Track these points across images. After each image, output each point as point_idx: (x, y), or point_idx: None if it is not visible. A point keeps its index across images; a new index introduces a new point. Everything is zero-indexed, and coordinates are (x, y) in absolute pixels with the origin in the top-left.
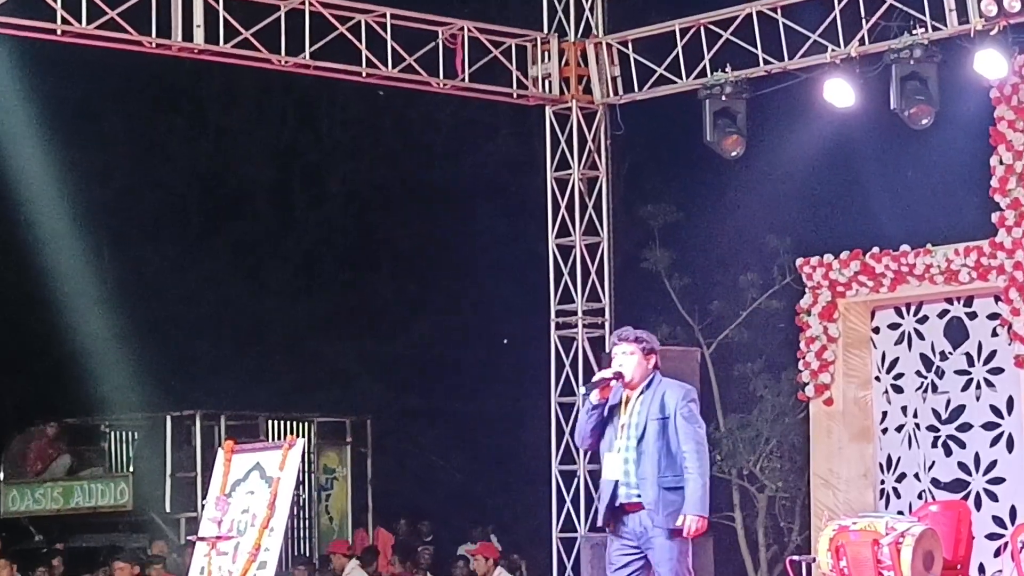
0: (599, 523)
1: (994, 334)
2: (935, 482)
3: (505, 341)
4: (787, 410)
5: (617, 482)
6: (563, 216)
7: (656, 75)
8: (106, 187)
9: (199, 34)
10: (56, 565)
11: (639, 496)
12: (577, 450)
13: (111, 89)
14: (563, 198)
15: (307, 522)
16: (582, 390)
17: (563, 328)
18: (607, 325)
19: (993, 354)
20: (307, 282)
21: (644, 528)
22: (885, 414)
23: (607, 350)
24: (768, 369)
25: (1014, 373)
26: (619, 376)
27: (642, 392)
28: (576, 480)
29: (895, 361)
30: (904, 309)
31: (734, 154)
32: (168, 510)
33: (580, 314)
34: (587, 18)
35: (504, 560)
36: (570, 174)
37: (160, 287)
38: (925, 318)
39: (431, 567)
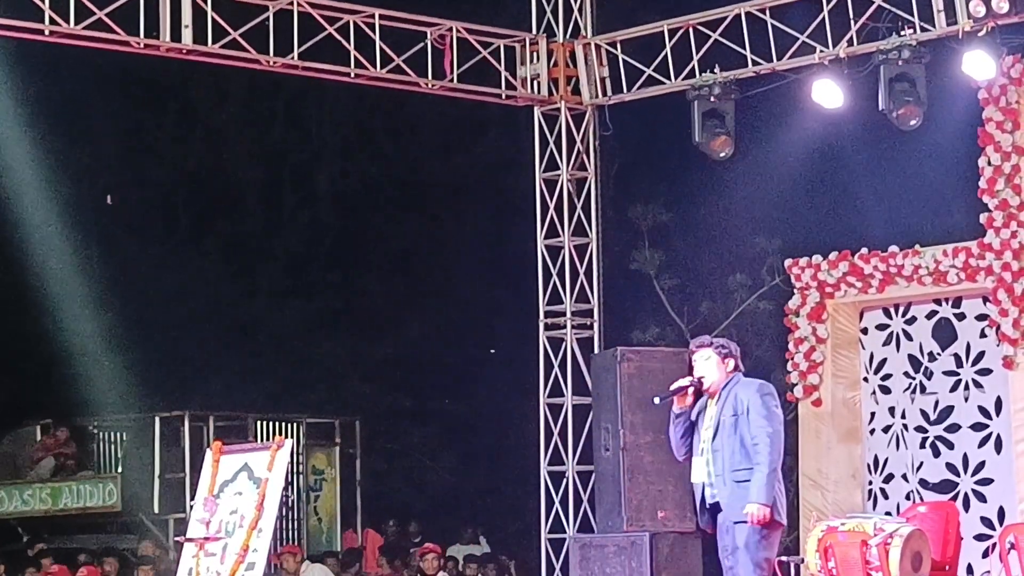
0: (697, 527)
1: (982, 335)
2: (923, 483)
3: (492, 351)
4: None
5: (704, 484)
6: (552, 217)
7: (645, 76)
8: (95, 187)
9: (187, 34)
10: (46, 565)
11: (717, 495)
12: (566, 450)
13: (99, 89)
14: (552, 199)
15: (296, 523)
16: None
17: (552, 329)
18: (596, 326)
19: (981, 355)
20: (296, 282)
21: (729, 524)
22: (873, 415)
23: (689, 355)
24: (757, 370)
25: (1002, 374)
26: (699, 382)
27: (720, 394)
28: (565, 481)
29: (883, 362)
30: (892, 310)
31: (723, 155)
32: (157, 511)
33: (569, 315)
34: (576, 19)
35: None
36: (559, 175)
37: (149, 287)
38: (913, 319)
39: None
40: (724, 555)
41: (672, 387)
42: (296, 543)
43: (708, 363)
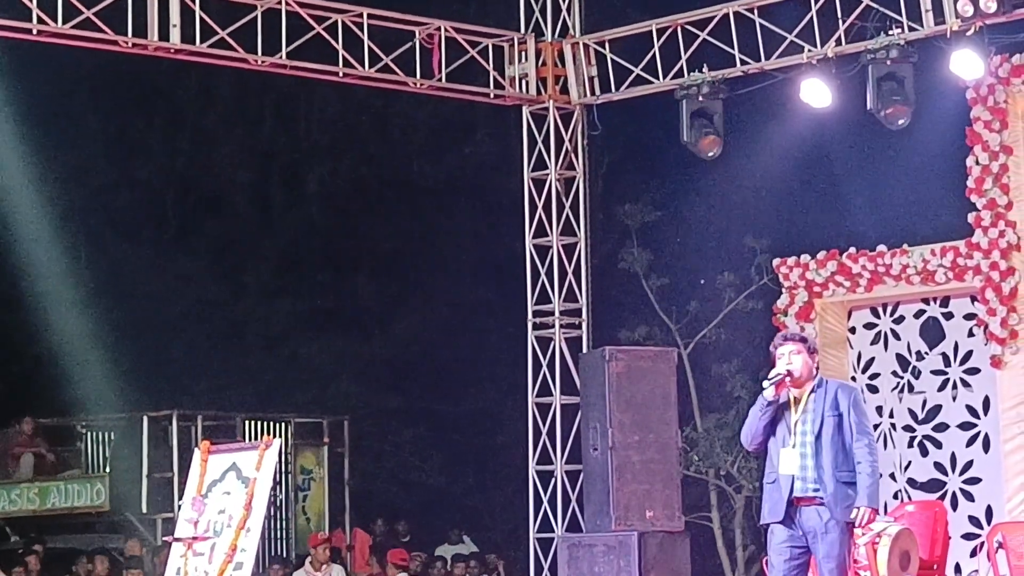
0: (766, 519)
1: (970, 334)
2: (911, 482)
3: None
4: None
5: (793, 476)
6: (540, 216)
7: (633, 75)
8: (83, 187)
9: (175, 34)
10: (32, 564)
11: (816, 490)
12: (554, 450)
13: (88, 89)
14: (540, 198)
15: (284, 523)
16: (765, 384)
17: (540, 328)
18: (584, 325)
19: (969, 354)
20: (285, 282)
21: (818, 522)
22: None
23: (773, 348)
24: (745, 369)
25: (990, 373)
26: (789, 374)
27: (814, 390)
28: (553, 480)
29: (871, 361)
30: (880, 309)
31: (711, 154)
32: (145, 511)
33: (557, 314)
34: (564, 18)
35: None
36: (547, 174)
37: (137, 287)
38: (901, 318)
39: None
40: (789, 546)
41: (771, 374)
42: (285, 543)
43: (797, 357)
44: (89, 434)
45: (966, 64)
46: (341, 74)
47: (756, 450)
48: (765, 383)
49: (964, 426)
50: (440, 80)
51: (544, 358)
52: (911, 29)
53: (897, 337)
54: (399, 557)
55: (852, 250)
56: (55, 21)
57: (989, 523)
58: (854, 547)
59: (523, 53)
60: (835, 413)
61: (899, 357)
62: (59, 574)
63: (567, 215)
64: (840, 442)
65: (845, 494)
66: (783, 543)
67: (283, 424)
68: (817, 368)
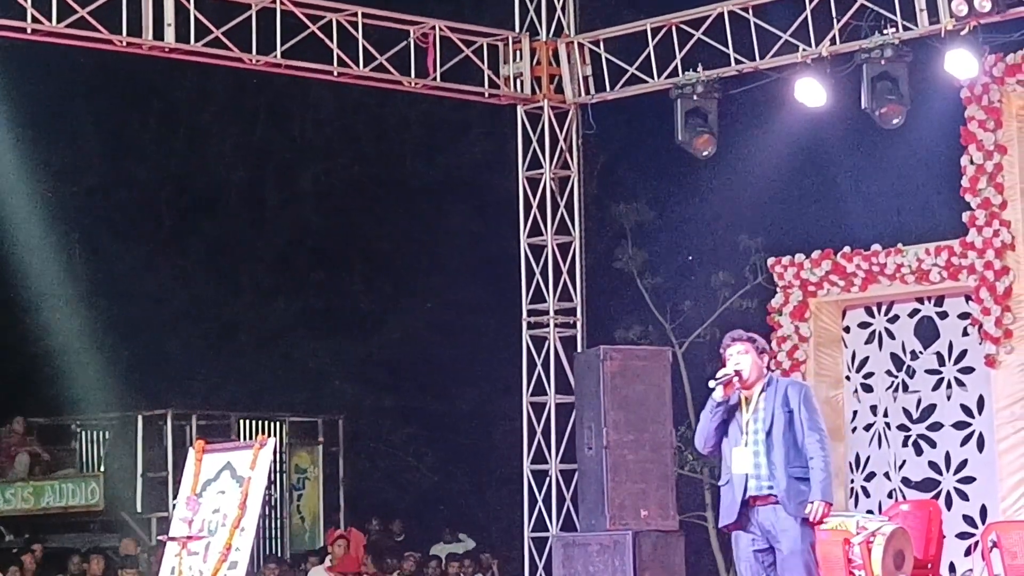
0: (722, 522)
1: (965, 333)
2: (905, 481)
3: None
4: None
5: (747, 475)
6: (535, 215)
7: (628, 74)
8: (77, 186)
9: (170, 33)
10: (28, 563)
11: (771, 487)
12: (549, 449)
13: (82, 88)
14: (535, 197)
15: (278, 522)
16: (712, 384)
17: (535, 327)
18: (579, 325)
19: (964, 353)
20: (279, 281)
21: (775, 519)
22: (855, 413)
23: (722, 350)
24: None
25: (984, 372)
26: (737, 374)
27: (763, 389)
28: (548, 480)
29: (865, 360)
30: (875, 308)
31: (706, 154)
32: (139, 510)
33: (552, 313)
34: (559, 17)
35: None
36: (542, 173)
37: (131, 286)
38: (896, 317)
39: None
40: (756, 549)
41: (719, 375)
42: (279, 542)
43: (745, 357)
44: (84, 433)
45: (961, 63)
46: (336, 73)
47: (711, 452)
48: (711, 383)
49: (958, 425)
50: (435, 79)
51: (539, 357)
52: (905, 28)
53: (892, 336)
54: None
55: (847, 249)
56: (50, 20)
57: (983, 522)
58: (815, 543)
59: (518, 52)
60: (786, 410)
61: (894, 356)
62: (54, 573)
63: (562, 214)
64: (792, 438)
65: (798, 490)
66: (746, 549)
67: (278, 423)
68: (769, 367)
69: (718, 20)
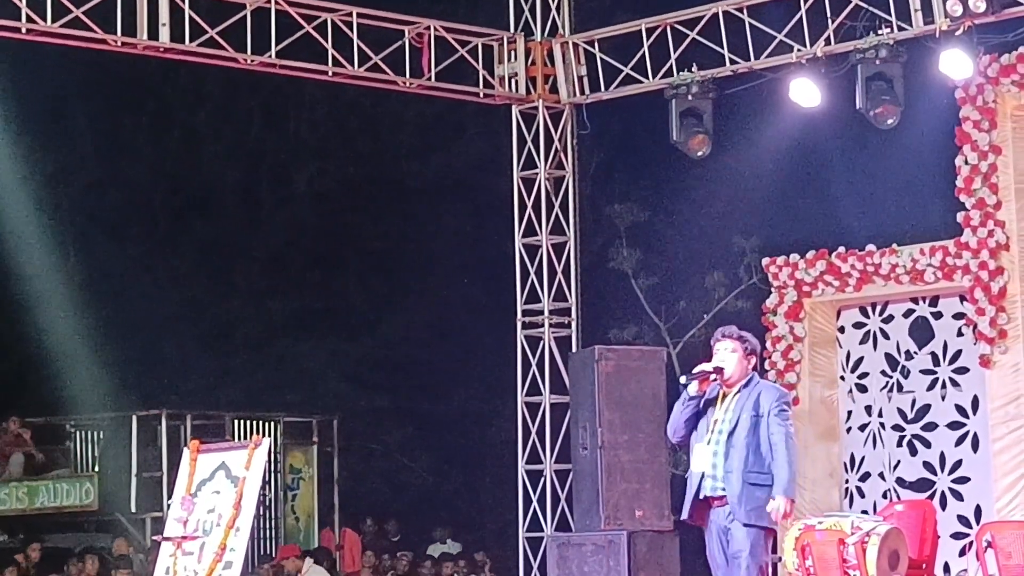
0: (683, 516)
1: (959, 334)
2: (900, 481)
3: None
4: None
5: (703, 475)
6: (530, 215)
7: (622, 75)
8: (72, 186)
9: (164, 33)
10: (23, 563)
11: (724, 489)
12: (543, 449)
13: (77, 88)
14: (530, 197)
15: (273, 522)
16: (682, 379)
17: (529, 328)
18: (573, 325)
19: (958, 354)
20: (274, 282)
21: (726, 521)
22: (850, 413)
23: (713, 343)
24: None
25: (979, 373)
26: (719, 371)
27: (739, 390)
28: (542, 480)
29: (860, 360)
30: (870, 309)
31: (700, 154)
32: (134, 510)
33: (547, 314)
34: (553, 18)
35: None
36: (537, 173)
37: (126, 286)
38: (891, 318)
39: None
40: (717, 552)
41: (696, 370)
42: (274, 542)
43: (731, 355)
44: (78, 433)
45: (955, 64)
46: (330, 73)
47: (679, 443)
48: (683, 379)
49: (953, 425)
50: (429, 79)
51: (533, 357)
52: (900, 29)
53: (886, 336)
54: (286, 554)
55: (841, 249)
56: (44, 20)
57: (978, 522)
58: (767, 550)
59: (512, 52)
60: (754, 414)
61: (888, 356)
62: (48, 573)
63: (556, 214)
64: (755, 443)
65: (752, 496)
66: (711, 550)
67: (272, 423)
68: (756, 368)
69: (713, 20)
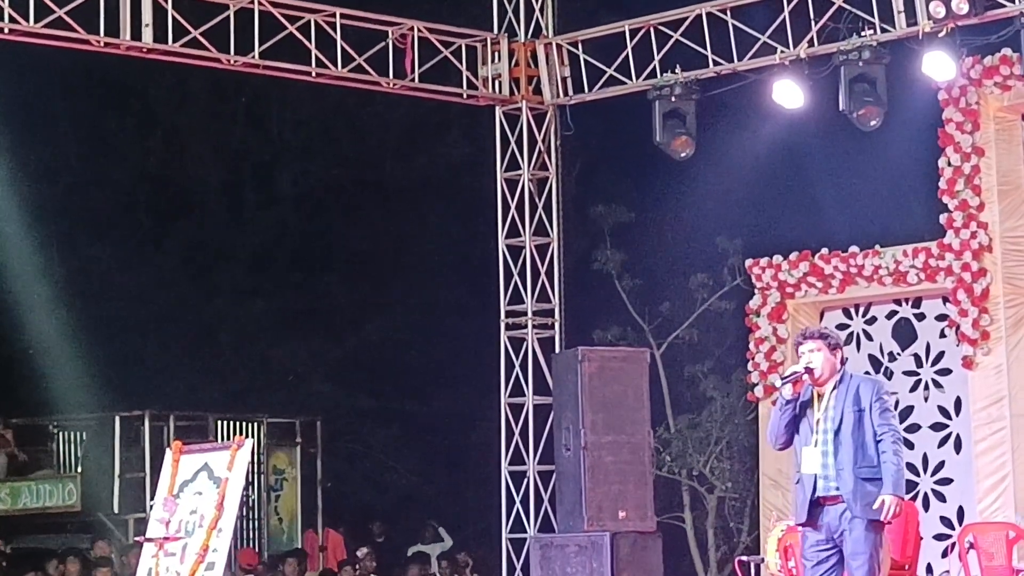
0: (796, 521)
1: (942, 335)
2: None
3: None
4: (737, 411)
5: (816, 475)
6: (513, 216)
7: (606, 76)
8: (55, 186)
9: (148, 33)
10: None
11: (837, 488)
12: (527, 450)
13: (60, 88)
14: (513, 198)
15: (256, 523)
16: (776, 383)
17: (513, 329)
18: (557, 326)
19: (941, 355)
20: (257, 282)
21: (841, 520)
22: None
23: (795, 347)
24: (718, 370)
25: (962, 374)
26: (809, 371)
27: (835, 386)
28: (525, 481)
29: (842, 362)
30: (853, 310)
31: (684, 155)
32: (116, 511)
33: (530, 315)
34: (537, 19)
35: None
36: (520, 174)
37: (109, 286)
38: (873, 319)
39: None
40: (819, 549)
41: (787, 373)
42: (257, 543)
43: (817, 354)
44: (61, 434)
45: (938, 65)
46: (314, 74)
47: (782, 449)
48: (777, 382)
49: (936, 427)
50: (413, 80)
51: (517, 358)
52: (883, 30)
53: (869, 338)
54: (247, 560)
55: (824, 251)
56: (27, 20)
57: (960, 524)
58: (881, 546)
59: (496, 53)
60: (856, 408)
61: (871, 358)
62: (29, 573)
63: (540, 215)
64: (861, 438)
65: (865, 491)
66: (811, 548)
67: (255, 424)
68: (842, 362)
69: (696, 22)
